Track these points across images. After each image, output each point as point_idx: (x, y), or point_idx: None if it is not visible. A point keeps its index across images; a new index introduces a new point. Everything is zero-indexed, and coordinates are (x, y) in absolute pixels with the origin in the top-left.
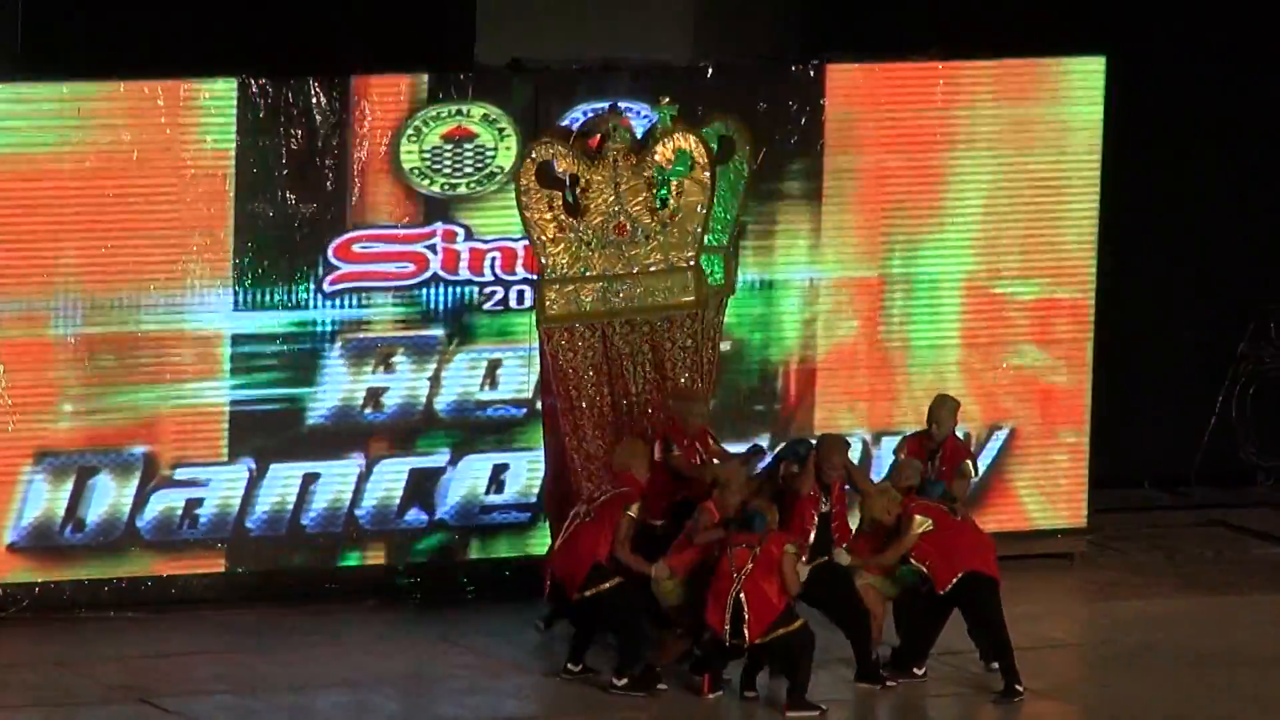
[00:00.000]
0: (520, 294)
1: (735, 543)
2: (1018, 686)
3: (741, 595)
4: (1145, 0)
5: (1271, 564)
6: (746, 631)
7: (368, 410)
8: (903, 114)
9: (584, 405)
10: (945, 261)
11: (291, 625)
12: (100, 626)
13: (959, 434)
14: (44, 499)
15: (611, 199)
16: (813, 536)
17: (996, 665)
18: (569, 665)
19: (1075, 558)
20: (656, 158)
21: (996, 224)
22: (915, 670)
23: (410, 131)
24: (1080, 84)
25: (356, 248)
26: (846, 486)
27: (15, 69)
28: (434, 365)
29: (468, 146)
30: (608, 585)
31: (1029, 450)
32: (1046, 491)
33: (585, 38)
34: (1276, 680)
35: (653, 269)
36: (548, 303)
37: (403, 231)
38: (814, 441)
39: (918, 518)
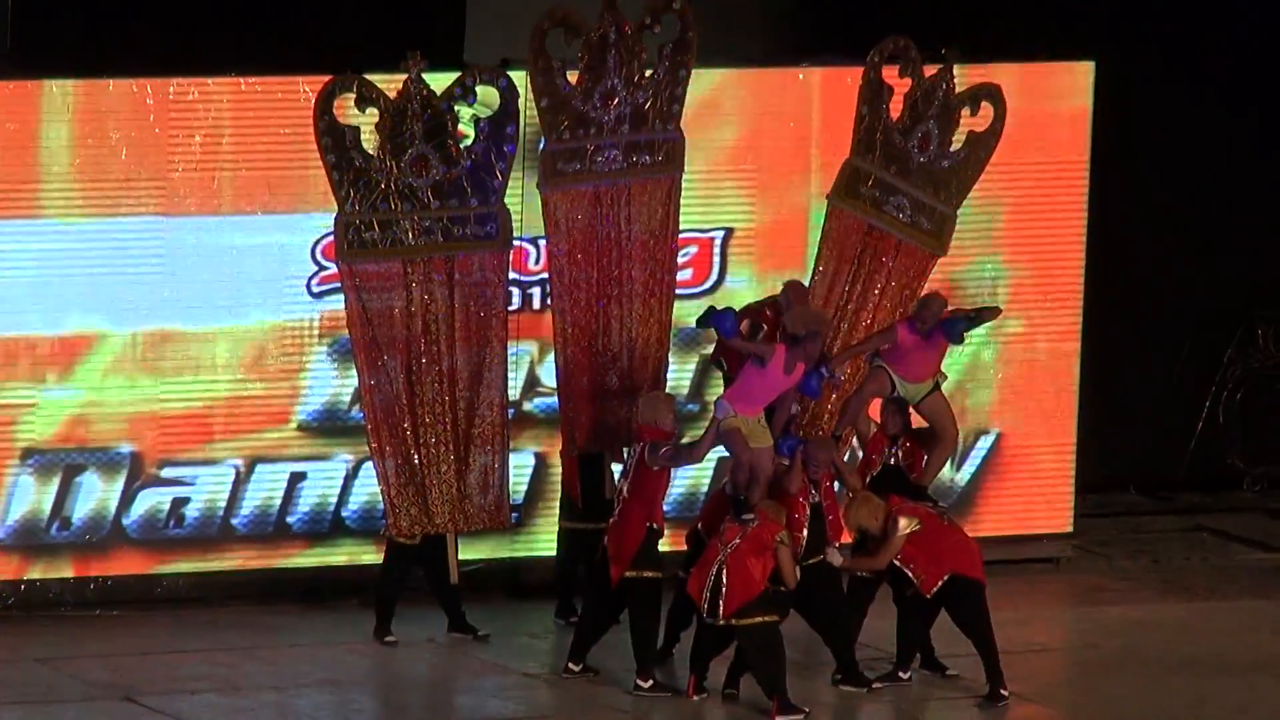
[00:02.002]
0: (507, 294)
1: (729, 521)
2: (1002, 691)
3: (724, 569)
4: (1135, 6)
5: (1257, 570)
6: (722, 605)
7: (354, 410)
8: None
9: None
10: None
11: (276, 624)
12: (85, 624)
13: None
14: (30, 496)
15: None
16: (805, 530)
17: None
18: (570, 665)
19: (1061, 562)
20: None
21: (983, 231)
22: (900, 674)
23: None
24: (1069, 89)
25: None
26: (836, 485)
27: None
28: None
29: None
30: (650, 574)
31: (1015, 455)
32: (1032, 496)
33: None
34: (1260, 686)
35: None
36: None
37: None
38: (803, 440)
39: (904, 519)
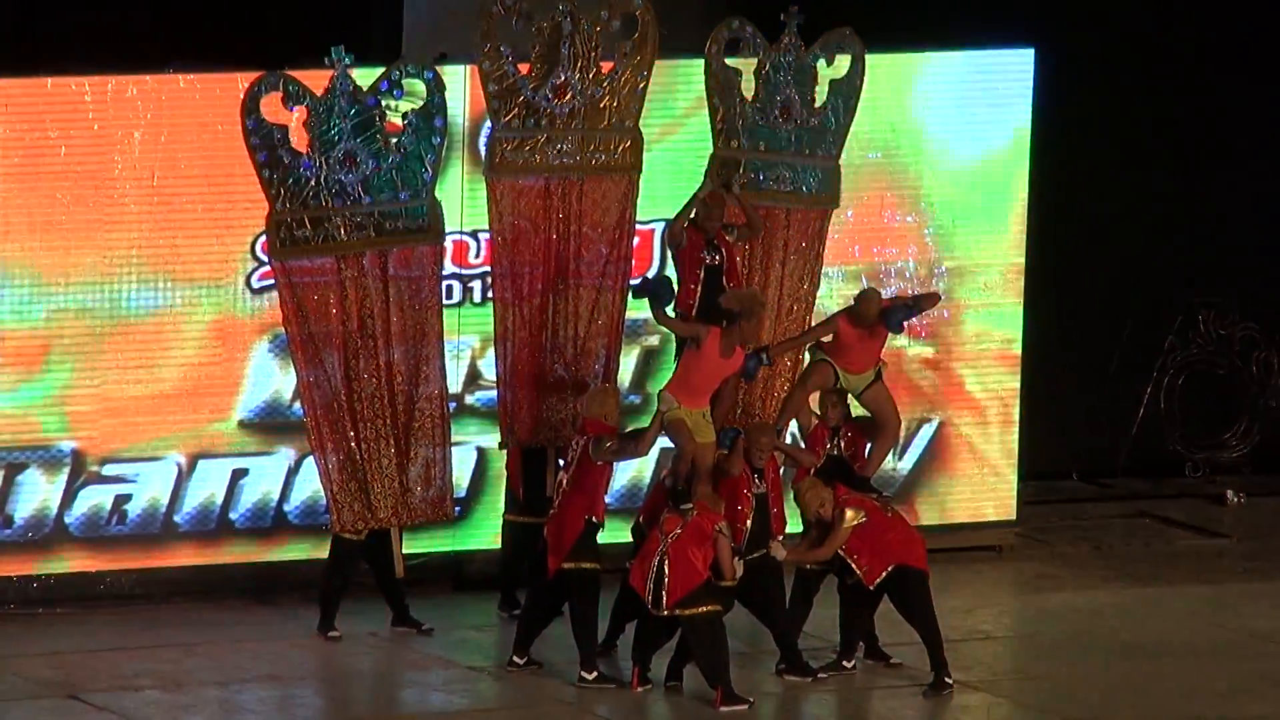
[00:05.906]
0: (449, 289)
1: (668, 512)
2: (946, 679)
3: (666, 560)
4: None
5: (1198, 555)
6: (665, 596)
7: (296, 406)
8: None
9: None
10: (875, 255)
11: (219, 620)
12: (29, 622)
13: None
14: None
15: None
16: (749, 522)
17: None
18: (514, 658)
19: (1004, 550)
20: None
21: (926, 218)
22: (845, 664)
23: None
24: (1009, 77)
25: None
26: (781, 470)
27: None
28: None
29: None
30: (588, 565)
31: (958, 442)
32: (975, 484)
33: None
34: (1203, 671)
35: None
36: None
37: None
38: (741, 430)
39: (849, 512)
